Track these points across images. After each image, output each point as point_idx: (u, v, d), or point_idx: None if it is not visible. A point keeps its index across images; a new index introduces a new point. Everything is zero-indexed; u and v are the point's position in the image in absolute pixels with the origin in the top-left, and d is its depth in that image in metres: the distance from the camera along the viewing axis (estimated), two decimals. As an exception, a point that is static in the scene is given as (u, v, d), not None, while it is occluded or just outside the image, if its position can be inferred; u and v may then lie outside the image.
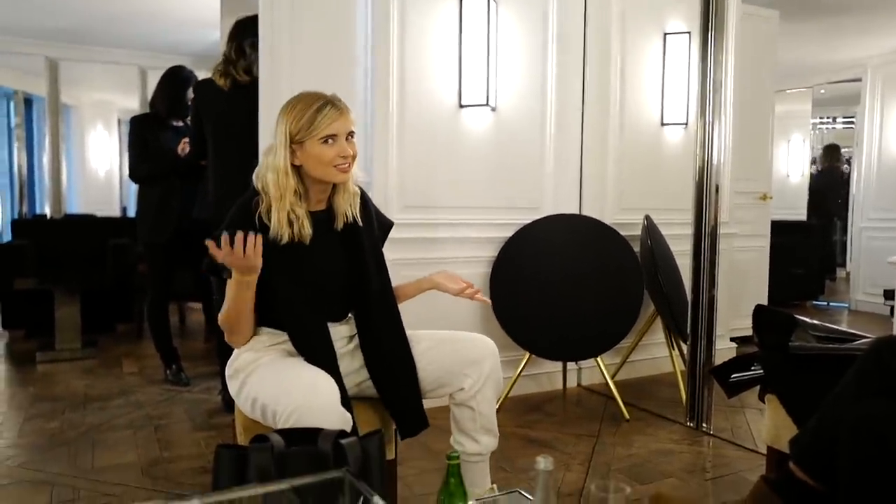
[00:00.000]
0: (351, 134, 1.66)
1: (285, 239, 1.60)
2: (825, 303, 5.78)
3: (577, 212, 3.43)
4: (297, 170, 1.64)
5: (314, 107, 1.62)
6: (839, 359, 1.66)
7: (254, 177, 1.67)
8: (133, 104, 6.53)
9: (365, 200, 1.80)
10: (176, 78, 3.53)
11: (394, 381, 1.72)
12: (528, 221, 3.21)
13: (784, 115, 5.62)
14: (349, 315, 1.77)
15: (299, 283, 1.64)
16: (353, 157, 1.67)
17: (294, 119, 1.62)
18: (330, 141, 1.62)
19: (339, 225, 1.72)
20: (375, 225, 1.82)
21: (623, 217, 3.46)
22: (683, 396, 2.99)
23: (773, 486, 1.50)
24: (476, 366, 1.74)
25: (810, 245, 5.77)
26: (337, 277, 1.72)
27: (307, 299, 1.65)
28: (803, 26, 4.66)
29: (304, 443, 1.23)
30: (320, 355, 1.61)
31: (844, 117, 6.14)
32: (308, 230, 1.64)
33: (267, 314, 1.67)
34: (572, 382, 3.50)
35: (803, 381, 1.72)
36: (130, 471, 2.40)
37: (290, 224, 1.61)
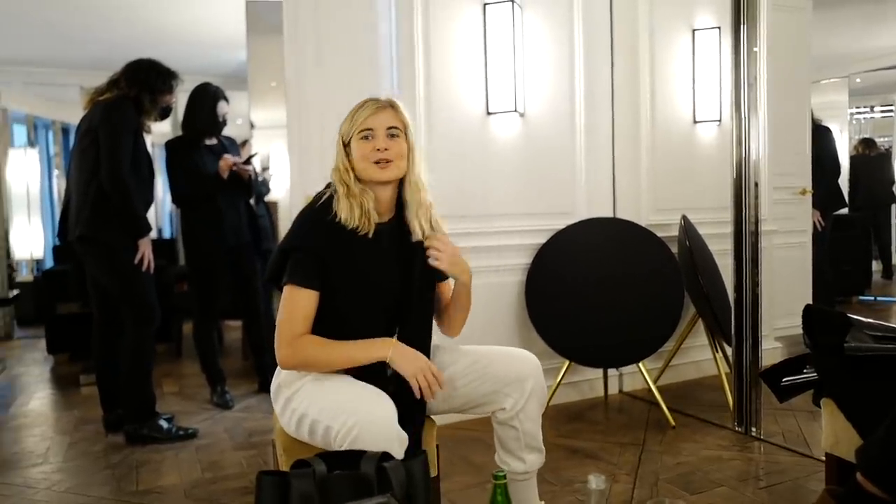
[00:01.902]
0: (394, 128, 1.62)
1: (356, 223, 1.57)
2: (872, 297, 5.58)
3: (611, 215, 3.37)
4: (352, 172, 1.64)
5: (358, 106, 1.65)
6: (900, 359, 1.58)
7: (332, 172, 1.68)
8: (165, 128, 6.65)
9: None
10: (203, 96, 3.50)
11: (407, 409, 1.59)
12: (562, 227, 3.17)
13: (820, 107, 5.47)
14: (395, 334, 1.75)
15: (359, 297, 1.60)
16: (397, 154, 1.62)
17: (346, 121, 1.66)
18: (368, 136, 1.61)
19: (411, 237, 1.67)
20: None
21: (659, 218, 3.39)
22: (730, 400, 2.90)
23: (841, 499, 1.42)
24: (517, 384, 1.68)
25: (854, 238, 5.59)
26: (388, 294, 1.66)
27: (366, 316, 1.61)
28: (837, 14, 4.53)
29: (347, 467, 1.20)
30: (374, 373, 1.57)
31: (882, 106, 5.96)
32: (373, 221, 1.61)
33: (316, 325, 1.60)
34: (614, 389, 3.43)
35: (862, 384, 1.64)
36: (173, 493, 2.41)
37: (353, 211, 1.58)
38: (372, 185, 1.63)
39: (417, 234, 1.66)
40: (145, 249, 2.93)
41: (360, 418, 1.39)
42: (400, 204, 1.69)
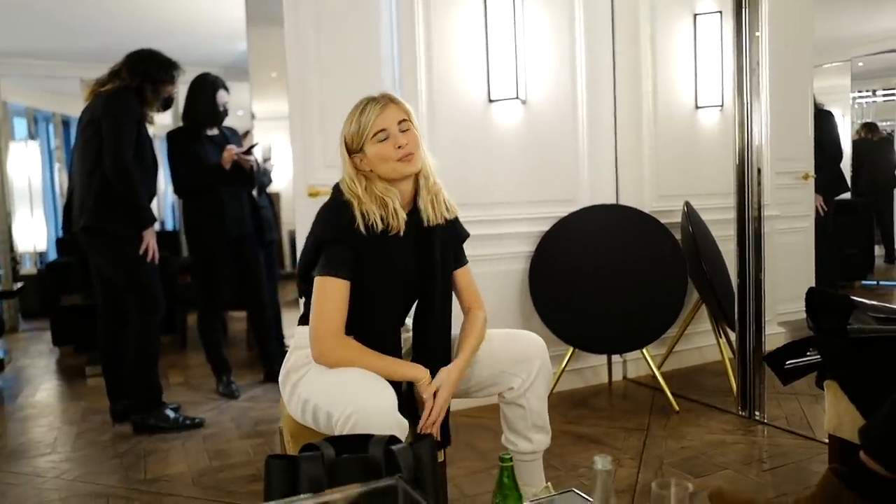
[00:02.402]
0: (403, 122, 1.63)
1: (379, 227, 1.58)
2: (875, 282, 5.58)
3: (614, 202, 3.37)
4: (372, 175, 1.64)
5: (358, 110, 1.64)
6: (903, 341, 1.58)
7: (339, 182, 1.67)
8: (166, 119, 6.65)
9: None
10: (202, 86, 3.49)
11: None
12: (565, 214, 3.17)
13: (822, 91, 5.44)
14: (406, 322, 1.76)
15: (384, 282, 1.62)
16: (415, 145, 1.63)
17: (346, 130, 1.65)
18: (383, 137, 1.61)
19: (424, 223, 1.68)
20: (451, 232, 1.77)
21: (662, 205, 3.39)
22: (733, 385, 2.92)
23: (844, 477, 1.43)
24: (525, 364, 1.71)
25: (856, 223, 5.59)
26: (407, 280, 1.68)
27: (381, 302, 1.62)
28: (839, -2, 4.51)
29: (355, 450, 1.21)
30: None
31: (885, 89, 5.93)
32: (401, 220, 1.61)
33: None
34: (618, 375, 3.44)
35: (865, 365, 1.65)
36: (181, 481, 2.43)
37: (382, 219, 1.59)
38: (394, 182, 1.64)
39: (432, 220, 1.68)
40: (150, 240, 2.94)
41: (358, 406, 1.40)
42: (417, 190, 1.70)
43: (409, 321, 1.76)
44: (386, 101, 1.64)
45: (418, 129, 1.68)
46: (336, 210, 1.62)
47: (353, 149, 1.65)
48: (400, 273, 1.65)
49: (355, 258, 1.58)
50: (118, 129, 2.85)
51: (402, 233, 1.62)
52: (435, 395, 1.58)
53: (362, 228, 1.57)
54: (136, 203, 2.89)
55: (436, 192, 1.70)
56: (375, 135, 1.61)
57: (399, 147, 1.61)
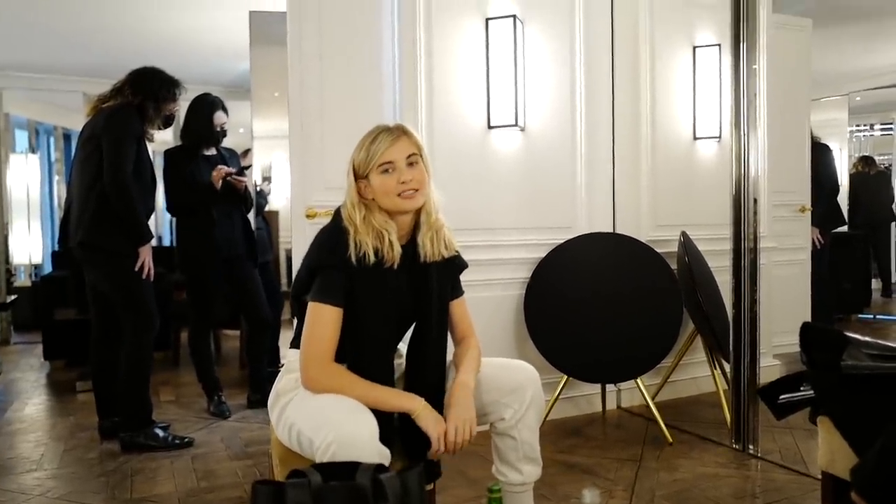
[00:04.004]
0: (412, 156, 1.63)
1: (371, 259, 1.57)
2: (871, 315, 5.58)
3: (611, 230, 3.38)
4: (373, 205, 1.63)
5: (370, 138, 1.64)
6: (896, 378, 1.58)
7: (341, 207, 1.66)
8: (167, 135, 6.68)
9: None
10: (201, 105, 3.51)
11: (420, 434, 1.58)
12: (562, 241, 3.17)
13: (820, 125, 5.49)
14: (398, 348, 1.76)
15: (376, 312, 1.61)
16: (420, 181, 1.63)
17: (355, 155, 1.65)
18: (389, 170, 1.61)
19: (421, 258, 1.67)
20: (449, 264, 1.76)
21: (659, 234, 3.39)
22: (728, 417, 2.90)
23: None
24: (517, 394, 1.69)
25: (853, 256, 5.60)
26: (400, 311, 1.68)
27: (373, 331, 1.61)
28: (837, 33, 4.57)
29: (342, 478, 1.20)
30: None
31: (882, 124, 5.98)
32: (396, 253, 1.61)
33: None
34: (612, 405, 3.42)
35: (859, 402, 1.64)
36: (168, 502, 2.40)
37: (376, 252, 1.58)
38: (394, 215, 1.64)
39: (429, 256, 1.68)
40: (146, 256, 2.93)
41: (338, 434, 1.38)
42: (416, 223, 1.70)
43: (402, 346, 1.75)
44: (399, 133, 1.64)
45: (428, 163, 1.68)
46: (333, 235, 1.62)
47: (359, 174, 1.64)
48: (392, 304, 1.64)
49: (348, 286, 1.57)
50: (118, 146, 2.86)
51: (395, 265, 1.61)
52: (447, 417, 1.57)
53: (353, 259, 1.56)
54: (134, 219, 2.89)
55: (437, 229, 1.70)
56: (381, 165, 1.61)
57: (402, 182, 1.61)
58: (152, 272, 2.97)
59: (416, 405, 1.56)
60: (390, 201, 1.62)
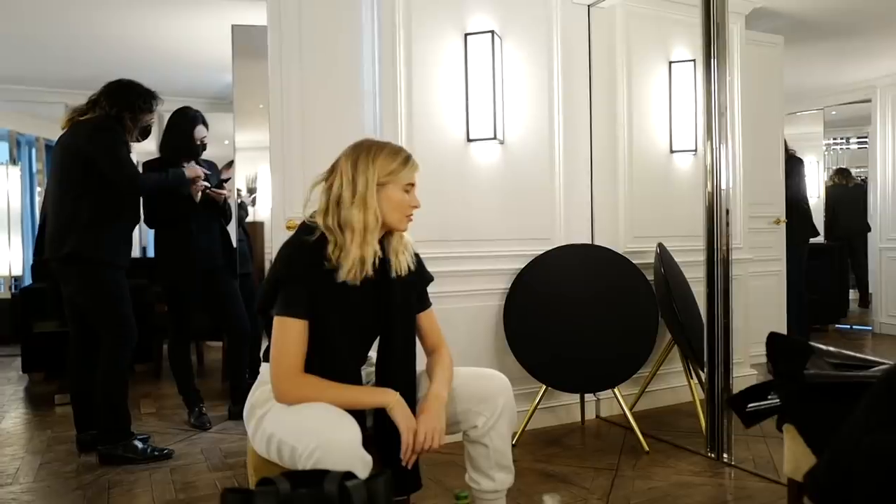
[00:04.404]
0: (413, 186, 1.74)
1: (352, 277, 1.61)
2: (848, 326, 5.65)
3: (588, 241, 3.42)
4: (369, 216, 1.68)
5: (401, 156, 1.71)
6: (856, 386, 1.62)
7: (315, 214, 1.67)
8: (151, 147, 6.67)
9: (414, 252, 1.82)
10: (181, 119, 3.54)
11: (396, 441, 1.61)
12: (540, 252, 3.21)
13: (797, 138, 5.59)
14: (367, 358, 1.79)
15: (342, 324, 1.64)
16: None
17: (384, 163, 1.67)
18: (409, 191, 1.71)
19: (394, 273, 1.72)
20: (414, 276, 1.80)
21: (635, 245, 3.44)
22: (703, 426, 2.94)
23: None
24: (488, 402, 1.72)
25: (828, 267, 5.68)
26: (364, 321, 1.72)
27: (339, 342, 1.64)
28: (809, 49, 4.66)
29: (310, 485, 1.22)
30: (357, 413, 1.59)
31: (858, 137, 6.09)
32: (370, 270, 1.65)
33: None
34: (591, 414, 3.45)
35: (820, 410, 1.68)
36: (145, 514, 2.40)
37: (363, 262, 1.62)
38: (381, 230, 1.69)
39: (398, 270, 1.73)
40: (195, 173, 3.34)
41: (321, 441, 1.41)
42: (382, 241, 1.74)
43: (372, 354, 1.77)
44: (417, 163, 1.75)
45: None
46: (297, 248, 1.65)
47: (379, 181, 1.67)
48: (354, 317, 1.67)
49: (312, 297, 1.60)
50: (115, 155, 2.90)
51: (358, 282, 1.64)
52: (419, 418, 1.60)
53: (321, 264, 1.60)
54: (166, 185, 3.20)
55: (405, 244, 1.77)
56: (407, 184, 1.70)
57: (413, 206, 1.71)
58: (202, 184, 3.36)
59: (389, 399, 1.60)
60: (397, 218, 1.69)
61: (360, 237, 1.62)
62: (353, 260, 1.61)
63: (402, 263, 1.74)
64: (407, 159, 1.71)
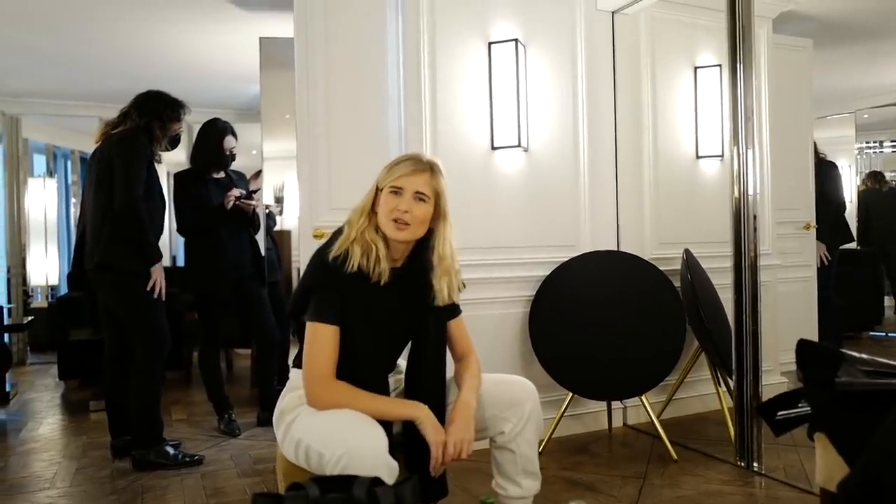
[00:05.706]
0: (422, 195, 1.69)
1: (370, 270, 1.63)
2: (883, 333, 5.53)
3: (614, 248, 3.41)
4: (374, 217, 1.71)
5: (399, 159, 1.72)
6: (890, 394, 1.59)
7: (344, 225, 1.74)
8: (181, 157, 6.80)
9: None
10: (211, 131, 3.62)
11: (423, 449, 1.63)
12: (566, 259, 3.20)
13: (827, 142, 5.50)
14: (395, 367, 1.81)
15: (372, 331, 1.66)
16: (417, 219, 1.68)
17: (384, 169, 1.73)
18: (397, 193, 1.67)
19: (436, 301, 1.73)
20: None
21: (662, 252, 3.42)
22: (732, 434, 2.90)
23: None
24: (516, 408, 1.73)
25: (863, 273, 5.57)
26: (391, 328, 1.73)
27: (365, 348, 1.66)
28: (840, 52, 4.60)
29: (339, 490, 1.24)
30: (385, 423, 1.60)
31: (892, 141, 5.97)
32: (384, 268, 1.66)
33: None
34: (619, 422, 3.43)
35: (853, 418, 1.65)
36: (177, 519, 2.44)
37: (366, 257, 1.64)
38: (389, 238, 1.70)
39: (440, 299, 1.73)
40: (157, 277, 3.00)
41: (348, 447, 1.43)
42: (414, 253, 1.75)
43: (401, 362, 1.79)
44: (425, 167, 1.71)
45: (444, 212, 1.74)
46: (327, 254, 1.67)
47: (378, 187, 1.72)
48: (383, 323, 1.69)
49: (343, 303, 1.62)
50: (129, 169, 2.94)
51: (382, 282, 1.66)
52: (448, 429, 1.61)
53: (343, 266, 1.62)
54: (143, 240, 2.97)
55: (452, 274, 1.75)
56: (393, 187, 1.68)
57: (399, 209, 1.66)
58: (164, 292, 3.04)
59: (419, 412, 1.61)
60: (384, 221, 1.68)
61: (357, 246, 1.64)
62: (361, 259, 1.63)
63: (443, 291, 1.73)
64: (400, 161, 1.71)
